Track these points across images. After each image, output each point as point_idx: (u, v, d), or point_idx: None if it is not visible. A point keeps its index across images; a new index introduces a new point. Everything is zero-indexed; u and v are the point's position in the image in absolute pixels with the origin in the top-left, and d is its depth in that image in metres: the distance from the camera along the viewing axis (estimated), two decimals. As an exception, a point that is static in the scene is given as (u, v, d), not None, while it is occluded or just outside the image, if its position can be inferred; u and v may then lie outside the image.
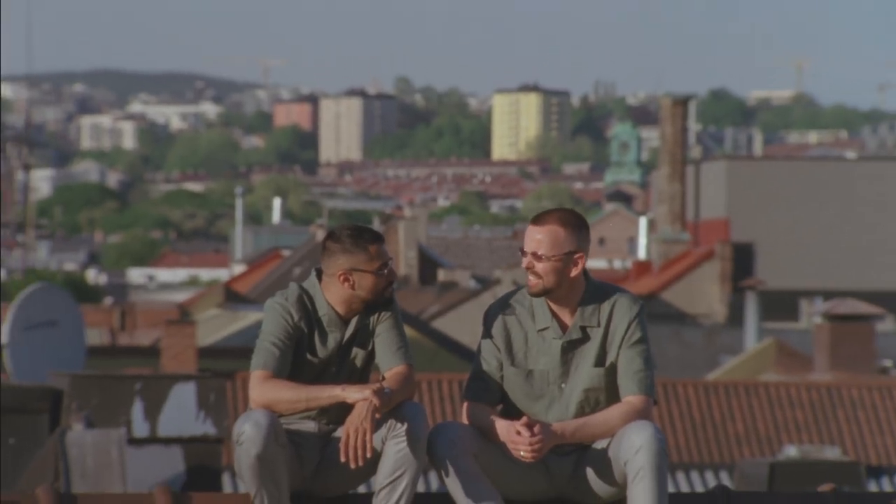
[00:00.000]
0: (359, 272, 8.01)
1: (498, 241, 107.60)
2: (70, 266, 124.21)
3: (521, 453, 7.79)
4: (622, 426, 7.84)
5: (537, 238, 7.94)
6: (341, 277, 8.01)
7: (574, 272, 7.95)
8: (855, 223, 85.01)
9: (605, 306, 8.03)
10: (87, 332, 28.85)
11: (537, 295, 7.98)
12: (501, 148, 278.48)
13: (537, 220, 8.01)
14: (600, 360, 8.02)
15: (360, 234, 8.02)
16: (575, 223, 8.00)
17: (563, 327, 8.00)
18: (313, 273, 8.11)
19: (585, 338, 8.00)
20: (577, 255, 7.94)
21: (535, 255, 7.93)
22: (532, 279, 7.95)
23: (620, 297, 8.05)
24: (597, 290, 8.06)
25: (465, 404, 8.00)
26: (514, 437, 7.83)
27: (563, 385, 8.01)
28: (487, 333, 8.06)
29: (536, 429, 7.80)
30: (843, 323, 47.50)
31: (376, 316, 8.08)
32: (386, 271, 8.06)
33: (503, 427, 7.89)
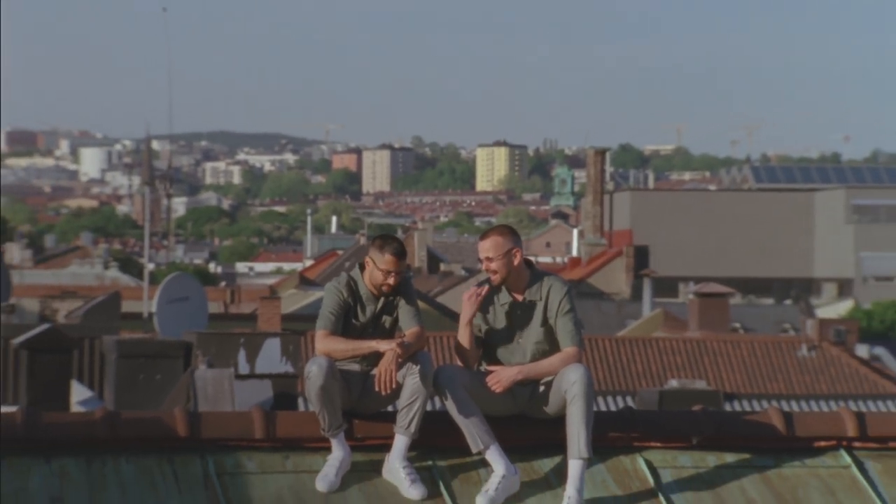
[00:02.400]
0: (373, 265, 8.84)
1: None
2: (197, 261, 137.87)
3: (494, 389, 8.79)
4: (562, 367, 8.77)
5: (486, 247, 8.97)
6: (367, 266, 8.88)
7: (516, 262, 8.95)
8: (715, 232, 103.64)
9: (544, 287, 9.01)
10: (209, 305, 29.66)
11: (498, 284, 8.99)
12: (482, 183, 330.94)
13: (483, 237, 9.07)
14: (543, 323, 8.96)
15: (388, 242, 8.89)
16: (507, 231, 9.06)
17: (516, 301, 9.03)
18: (357, 266, 8.98)
19: (532, 307, 9.00)
20: (514, 251, 8.95)
21: (487, 259, 8.95)
22: (491, 276, 8.97)
23: (555, 280, 9.06)
24: (537, 276, 9.06)
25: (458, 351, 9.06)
26: (490, 378, 8.78)
27: (520, 340, 9.00)
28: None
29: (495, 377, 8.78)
30: (707, 299, 55.32)
31: (398, 296, 8.93)
32: (391, 278, 8.83)
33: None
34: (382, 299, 8.95)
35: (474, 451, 8.74)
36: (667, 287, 79.15)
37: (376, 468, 8.73)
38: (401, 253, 8.91)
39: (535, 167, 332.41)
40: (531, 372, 8.84)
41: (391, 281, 8.86)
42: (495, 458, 8.70)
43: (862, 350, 52.19)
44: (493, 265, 8.95)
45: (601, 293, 78.85)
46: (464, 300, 8.95)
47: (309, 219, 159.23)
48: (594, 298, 72.95)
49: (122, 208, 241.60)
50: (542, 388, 8.90)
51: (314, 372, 8.63)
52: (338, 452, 8.68)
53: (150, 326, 31.50)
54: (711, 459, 9.06)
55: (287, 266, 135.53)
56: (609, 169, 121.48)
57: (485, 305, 9.05)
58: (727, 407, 32.85)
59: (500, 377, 8.79)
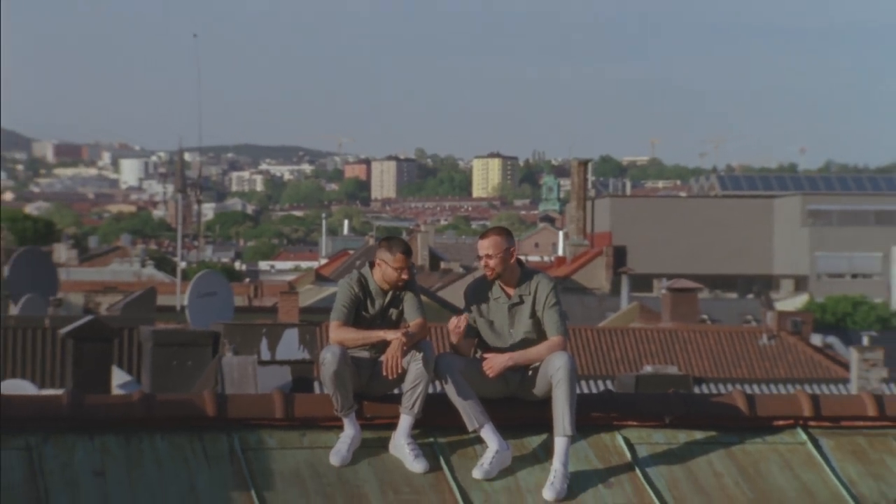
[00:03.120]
0: (385, 265, 8.86)
1: (475, 245, 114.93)
2: (224, 260, 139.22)
3: (488, 374, 8.84)
4: (548, 354, 8.85)
5: (486, 246, 9.02)
6: (377, 263, 8.89)
7: (511, 260, 9.02)
8: (685, 234, 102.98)
9: (533, 283, 9.05)
10: (234, 299, 29.77)
11: (493, 278, 9.06)
12: (478, 190, 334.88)
13: (483, 236, 9.13)
14: (532, 315, 9.00)
15: (395, 243, 8.95)
16: (504, 232, 9.14)
17: (509, 296, 9.05)
18: (367, 264, 9.09)
19: (522, 302, 9.04)
20: (511, 249, 9.03)
21: (487, 255, 9.00)
22: (488, 271, 9.03)
23: (542, 277, 9.10)
24: (527, 273, 9.12)
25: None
26: (485, 364, 8.82)
27: (511, 330, 9.02)
28: (467, 300, 9.17)
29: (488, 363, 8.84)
30: (678, 293, 55.29)
31: (403, 291, 8.95)
32: (404, 273, 8.88)
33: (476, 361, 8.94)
34: (390, 294, 8.96)
35: (470, 429, 8.76)
36: (642, 283, 79.39)
37: (384, 444, 8.75)
38: (408, 251, 8.98)
39: (525, 176, 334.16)
40: (521, 359, 8.86)
41: (405, 276, 8.90)
42: (489, 436, 8.71)
43: (816, 339, 52.29)
44: (492, 262, 8.98)
45: (584, 288, 79.06)
46: (450, 330, 8.94)
47: (324, 222, 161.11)
48: (577, 293, 73.19)
49: (158, 213, 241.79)
50: (530, 373, 8.92)
51: (328, 358, 8.68)
52: (349, 430, 8.70)
53: (182, 318, 31.63)
54: (682, 437, 9.07)
55: (304, 264, 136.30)
56: (591, 178, 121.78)
57: (480, 299, 9.08)
58: (696, 390, 32.83)
59: (493, 363, 8.81)
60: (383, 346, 8.78)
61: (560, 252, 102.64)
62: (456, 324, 8.88)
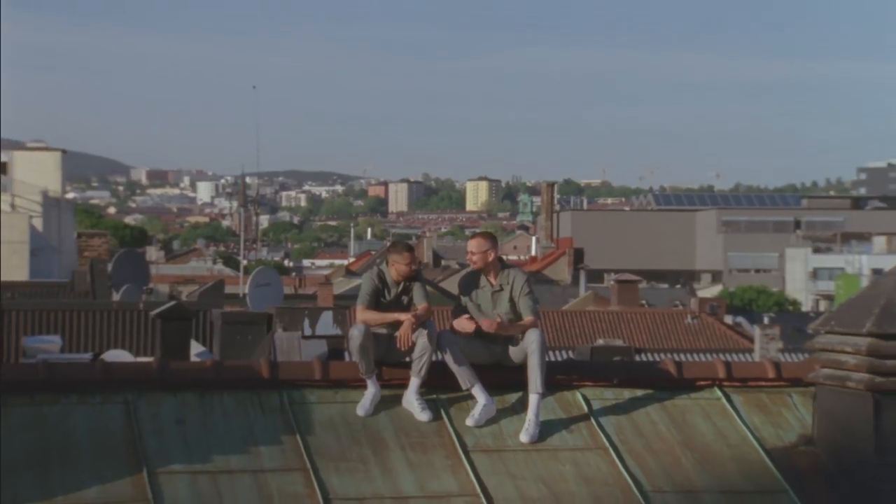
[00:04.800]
0: (396, 262, 8.84)
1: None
2: (276, 258, 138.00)
3: (467, 330, 8.79)
4: (524, 330, 8.85)
5: (472, 245, 9.01)
6: (390, 263, 8.88)
7: (490, 258, 8.95)
8: (629, 239, 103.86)
9: (511, 276, 9.01)
10: (283, 288, 29.78)
11: (477, 269, 9.01)
12: (470, 205, 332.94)
13: (471, 238, 9.10)
14: (510, 300, 8.96)
15: (400, 246, 8.97)
16: (487, 236, 9.11)
17: (492, 285, 9.01)
18: (384, 262, 9.05)
19: (502, 290, 8.99)
20: (489, 251, 8.96)
21: (471, 252, 8.99)
22: (472, 264, 9.01)
23: (518, 272, 9.09)
24: (507, 268, 9.08)
25: (457, 312, 9.06)
26: (464, 324, 8.78)
27: (494, 311, 8.94)
28: (461, 289, 9.15)
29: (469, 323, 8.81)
30: (623, 284, 56.67)
31: (412, 282, 8.92)
32: (412, 265, 8.87)
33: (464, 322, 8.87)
34: (402, 284, 8.92)
35: (464, 388, 8.74)
36: (595, 276, 79.46)
37: (398, 400, 8.72)
38: (411, 249, 9.01)
39: (506, 195, 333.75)
40: (500, 329, 8.78)
41: (413, 266, 8.89)
42: (479, 393, 8.69)
43: (728, 319, 52.36)
44: (475, 257, 8.97)
45: (551, 280, 78.80)
46: (459, 328, 8.81)
47: (352, 230, 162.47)
48: (546, 284, 72.99)
49: (225, 223, 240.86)
50: (510, 345, 8.89)
51: (355, 334, 8.66)
52: (371, 389, 8.67)
53: (243, 303, 31.44)
54: (626, 394, 9.04)
55: (337, 262, 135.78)
56: (557, 196, 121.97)
57: (471, 287, 9.04)
58: (637, 358, 32.72)
59: (483, 324, 8.77)
60: (397, 324, 8.76)
61: (533, 252, 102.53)
62: (464, 325, 8.82)
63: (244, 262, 67.62)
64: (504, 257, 9.32)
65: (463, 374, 8.73)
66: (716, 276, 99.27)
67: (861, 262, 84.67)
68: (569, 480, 8.14)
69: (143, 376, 8.49)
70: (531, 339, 8.73)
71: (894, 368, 8.11)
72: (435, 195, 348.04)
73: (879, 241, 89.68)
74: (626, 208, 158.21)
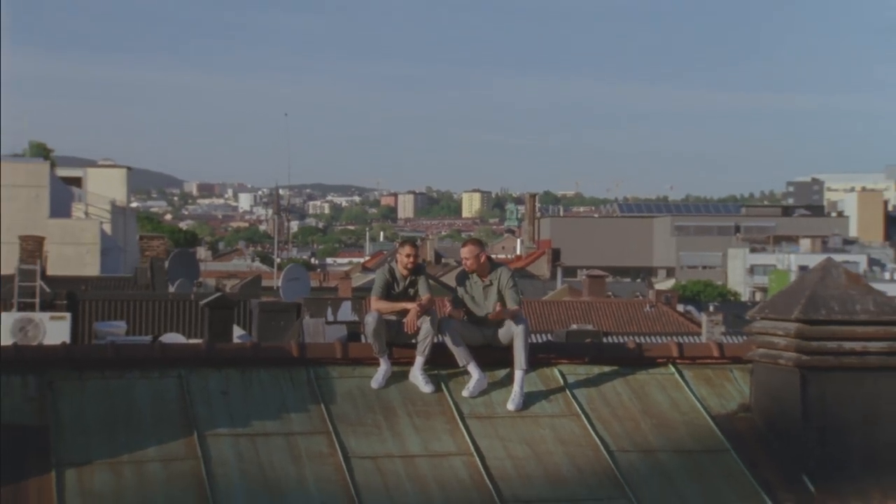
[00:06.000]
0: (400, 254, 8.76)
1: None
2: (304, 257, 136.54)
3: (462, 318, 8.82)
4: (511, 317, 8.79)
5: (464, 252, 8.92)
6: (398, 259, 8.79)
7: (482, 260, 8.88)
8: (598, 241, 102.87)
9: (498, 272, 8.93)
10: (310, 282, 29.78)
11: (471, 271, 8.93)
12: (465, 213, 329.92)
13: (463, 244, 9.00)
14: (498, 293, 8.87)
15: (404, 243, 8.89)
16: (477, 242, 9.04)
17: (483, 281, 8.93)
18: (393, 260, 9.00)
19: (491, 284, 8.91)
20: (480, 254, 8.91)
21: (465, 258, 8.90)
22: (466, 266, 8.92)
23: (504, 269, 8.99)
24: (495, 266, 8.99)
25: (450, 307, 8.96)
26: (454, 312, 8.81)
27: (485, 303, 8.89)
28: (458, 283, 9.10)
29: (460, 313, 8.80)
30: (593, 278, 57.70)
31: (417, 276, 8.84)
32: (413, 257, 8.73)
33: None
34: (409, 278, 8.85)
35: (461, 365, 8.68)
36: (570, 272, 79.54)
37: (405, 375, 8.66)
38: (413, 244, 8.93)
39: (496, 204, 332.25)
40: (499, 315, 8.74)
41: (414, 259, 8.78)
42: (473, 369, 8.64)
43: (680, 307, 52.25)
44: (468, 262, 8.91)
45: (533, 275, 78.89)
46: (453, 315, 8.79)
47: (367, 233, 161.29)
48: (529, 278, 73.06)
49: (262, 227, 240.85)
50: (499, 329, 8.83)
51: (369, 320, 8.61)
52: (383, 366, 8.60)
53: (277, 294, 31.40)
54: (596, 370, 9.00)
55: (355, 260, 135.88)
56: (538, 205, 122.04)
57: (465, 283, 8.97)
58: (604, 340, 32.78)
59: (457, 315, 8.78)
60: (405, 312, 8.71)
61: (518, 252, 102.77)
62: (455, 313, 8.80)
63: (277, 260, 67.54)
64: (493, 256, 9.29)
65: (460, 354, 8.67)
66: (669, 272, 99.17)
67: (790, 261, 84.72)
68: (548, 442, 8.12)
69: (193, 355, 8.46)
70: (516, 324, 8.69)
71: (818, 348, 8.10)
72: (436, 204, 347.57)
73: (805, 243, 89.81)
74: (596, 215, 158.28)
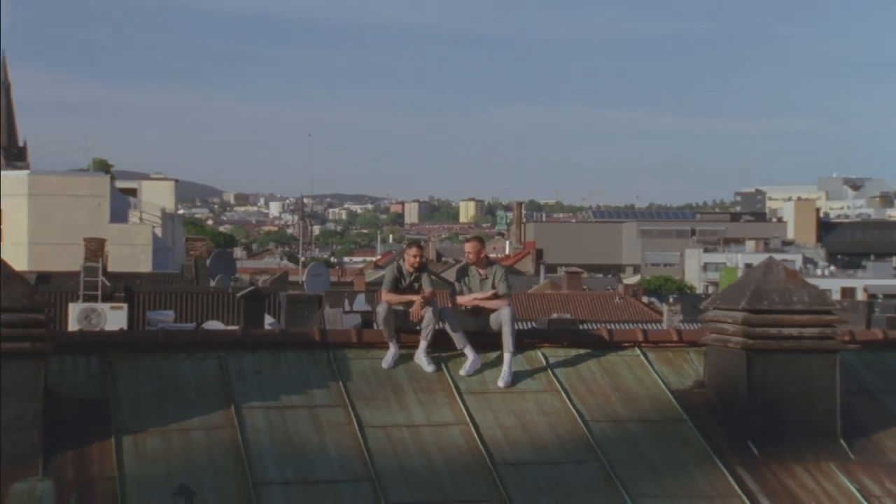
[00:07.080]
0: (407, 254, 8.65)
1: (462, 247, 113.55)
2: (325, 256, 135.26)
3: (464, 308, 8.75)
4: (502, 305, 8.57)
5: (468, 247, 8.90)
6: (404, 258, 8.67)
7: (482, 255, 8.85)
8: (575, 242, 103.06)
9: (493, 268, 8.90)
10: (330, 277, 29.48)
11: (473, 264, 8.87)
12: (462, 219, 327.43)
13: (468, 240, 9.04)
14: (493, 285, 8.84)
15: (410, 244, 8.84)
16: (479, 239, 9.08)
17: (480, 275, 8.88)
18: (402, 258, 8.83)
19: (487, 278, 8.86)
20: (481, 250, 8.87)
21: (469, 252, 8.86)
22: (468, 260, 8.90)
23: (498, 266, 8.96)
24: (490, 263, 8.95)
25: (453, 295, 8.87)
26: (463, 300, 8.74)
27: (481, 292, 8.81)
28: (458, 277, 9.01)
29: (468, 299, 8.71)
30: (571, 275, 56.71)
31: (421, 273, 8.71)
32: (418, 257, 8.60)
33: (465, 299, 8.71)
34: (414, 274, 8.78)
35: (458, 348, 8.61)
36: (552, 269, 79.15)
37: (411, 357, 8.59)
38: (419, 245, 8.86)
39: (488, 211, 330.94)
40: (483, 303, 8.71)
41: (418, 258, 8.67)
42: (469, 352, 8.58)
43: (644, 299, 52.19)
44: (471, 255, 8.86)
45: (519, 272, 78.66)
46: (463, 301, 8.68)
47: (378, 236, 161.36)
48: (516, 275, 72.86)
49: (289, 231, 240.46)
50: (491, 315, 8.77)
51: (380, 311, 8.56)
52: (392, 349, 8.54)
53: (302, 288, 31.42)
54: (573, 352, 8.93)
55: (368, 259, 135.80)
56: (524, 212, 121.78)
57: (465, 275, 8.91)
58: (581, 327, 32.71)
59: (464, 300, 8.72)
60: (411, 303, 8.65)
61: (507, 252, 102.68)
62: (464, 301, 8.69)
63: (302, 259, 67.55)
64: (489, 256, 9.23)
65: (457, 339, 8.61)
66: (636, 269, 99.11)
67: (737, 259, 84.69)
68: (532, 413, 8.07)
69: (231, 339, 8.40)
70: (505, 312, 8.65)
71: (761, 333, 8.06)
72: (437, 211, 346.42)
73: (750, 244, 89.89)
74: (573, 221, 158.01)
